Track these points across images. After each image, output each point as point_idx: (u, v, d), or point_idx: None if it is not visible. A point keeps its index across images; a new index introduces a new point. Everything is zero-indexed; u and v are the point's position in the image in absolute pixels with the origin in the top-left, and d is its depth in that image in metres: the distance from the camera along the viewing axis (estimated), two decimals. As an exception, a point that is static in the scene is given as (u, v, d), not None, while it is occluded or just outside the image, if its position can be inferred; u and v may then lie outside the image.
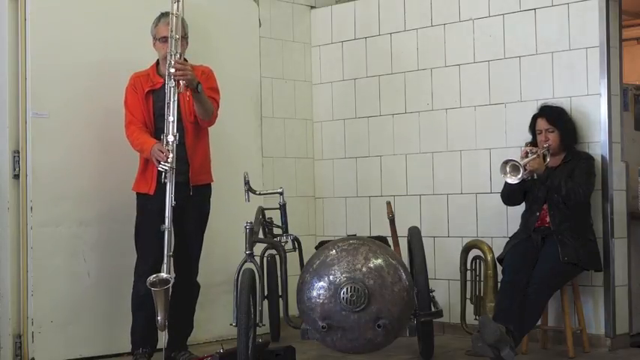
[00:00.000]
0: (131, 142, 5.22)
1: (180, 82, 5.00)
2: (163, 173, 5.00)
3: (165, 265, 4.94)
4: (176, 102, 5.03)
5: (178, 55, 5.07)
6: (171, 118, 5.02)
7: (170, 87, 5.03)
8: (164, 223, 5.04)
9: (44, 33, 5.43)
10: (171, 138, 5.01)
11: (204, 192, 5.34)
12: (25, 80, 5.38)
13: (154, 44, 5.30)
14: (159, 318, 4.90)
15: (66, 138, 5.51)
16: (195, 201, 5.22)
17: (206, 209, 5.38)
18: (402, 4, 6.59)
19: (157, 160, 5.02)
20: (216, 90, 5.33)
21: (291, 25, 7.04)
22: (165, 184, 5.05)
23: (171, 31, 5.06)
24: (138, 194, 5.29)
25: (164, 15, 5.23)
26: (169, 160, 4.98)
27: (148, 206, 5.19)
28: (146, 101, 5.22)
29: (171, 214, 4.97)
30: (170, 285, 4.90)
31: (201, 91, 5.08)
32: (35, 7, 5.40)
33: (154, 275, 4.91)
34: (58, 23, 5.50)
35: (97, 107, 5.59)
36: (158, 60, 5.30)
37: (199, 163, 5.27)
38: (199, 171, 5.26)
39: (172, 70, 5.00)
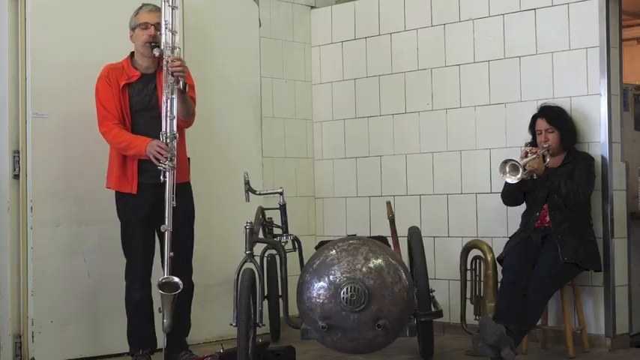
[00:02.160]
0: (110, 139, 5.07)
1: (180, 79, 4.93)
2: (162, 172, 4.94)
3: (165, 267, 4.90)
4: (175, 99, 4.95)
5: (178, 50, 5.00)
6: (170, 115, 4.95)
7: (170, 83, 4.94)
8: (152, 223, 4.99)
9: (44, 33, 5.43)
10: (172, 136, 4.95)
11: (184, 190, 5.20)
12: (25, 80, 5.38)
13: (131, 35, 5.16)
14: (165, 321, 4.85)
15: (66, 138, 5.51)
16: (178, 200, 5.03)
17: (191, 207, 5.28)
18: (402, 4, 6.60)
19: (156, 158, 4.94)
20: (194, 88, 5.22)
21: (291, 25, 7.04)
22: (146, 185, 5.02)
23: (166, 22, 4.95)
24: (119, 194, 5.16)
25: (146, 4, 5.17)
26: (169, 157, 4.92)
27: (134, 207, 5.10)
28: (122, 95, 5.08)
29: (171, 214, 4.92)
30: (180, 290, 4.83)
31: (187, 91, 5.02)
32: (35, 7, 5.40)
33: (164, 277, 4.83)
34: (58, 23, 5.50)
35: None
36: (132, 52, 5.19)
37: (179, 162, 5.10)
38: (179, 169, 5.08)
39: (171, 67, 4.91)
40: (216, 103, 6.13)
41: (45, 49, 5.43)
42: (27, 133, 5.37)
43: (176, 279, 4.84)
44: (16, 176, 5.38)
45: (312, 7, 7.17)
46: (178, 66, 4.93)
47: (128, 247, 5.18)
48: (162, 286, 4.82)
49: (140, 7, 5.19)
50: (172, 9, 4.99)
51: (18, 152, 5.39)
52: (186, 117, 5.10)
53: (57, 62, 5.48)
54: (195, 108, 5.19)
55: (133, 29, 5.17)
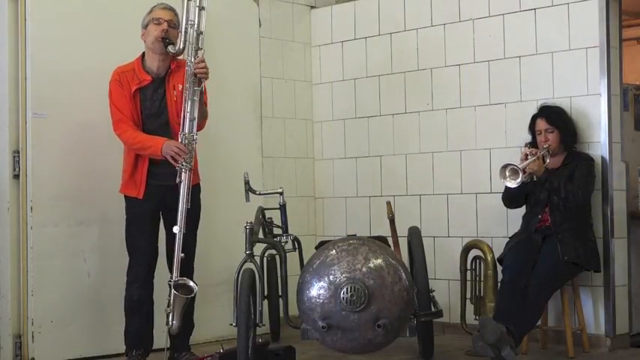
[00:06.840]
0: (125, 139, 5.07)
1: (202, 80, 4.93)
2: (179, 173, 4.92)
3: (175, 268, 4.88)
4: (196, 101, 4.93)
5: (202, 51, 4.97)
6: (189, 116, 4.92)
7: (191, 83, 4.92)
8: (158, 225, 5.01)
9: (44, 33, 5.43)
10: (190, 137, 4.93)
11: (194, 193, 5.16)
12: (25, 80, 5.38)
13: (143, 34, 5.12)
14: (174, 322, 4.82)
15: (66, 138, 5.51)
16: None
17: (197, 209, 5.25)
18: (401, 4, 6.60)
19: (174, 159, 4.92)
20: (205, 91, 5.24)
21: (291, 25, 7.04)
22: (155, 186, 5.02)
23: (192, 21, 4.96)
24: (126, 197, 5.17)
25: (160, 3, 5.17)
26: (187, 158, 4.90)
27: (138, 210, 5.09)
28: (134, 100, 5.07)
29: (184, 216, 4.89)
30: (194, 294, 4.85)
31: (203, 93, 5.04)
32: (35, 7, 5.40)
33: (181, 279, 4.83)
34: (58, 24, 5.50)
35: (96, 108, 5.56)
36: (143, 53, 5.15)
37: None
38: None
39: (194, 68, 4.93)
40: (216, 103, 6.09)
41: (45, 49, 5.43)
42: (27, 133, 5.37)
43: (192, 283, 4.85)
44: (16, 176, 5.38)
45: (312, 7, 7.17)
46: (203, 67, 4.94)
47: (132, 246, 5.16)
48: (178, 287, 4.81)
49: (154, 5, 5.18)
50: (200, 9, 5.00)
51: (18, 152, 5.39)
52: (200, 118, 5.09)
53: (57, 62, 5.48)
54: (207, 112, 5.21)
55: (145, 27, 5.12)
